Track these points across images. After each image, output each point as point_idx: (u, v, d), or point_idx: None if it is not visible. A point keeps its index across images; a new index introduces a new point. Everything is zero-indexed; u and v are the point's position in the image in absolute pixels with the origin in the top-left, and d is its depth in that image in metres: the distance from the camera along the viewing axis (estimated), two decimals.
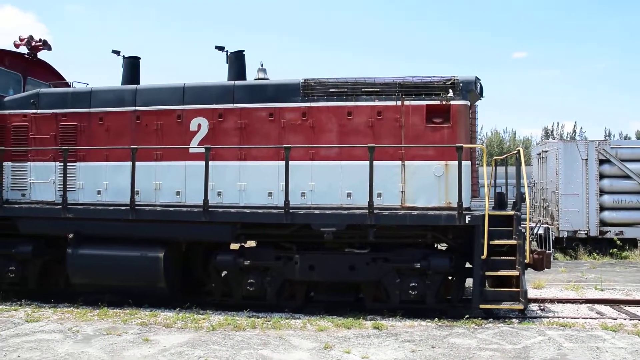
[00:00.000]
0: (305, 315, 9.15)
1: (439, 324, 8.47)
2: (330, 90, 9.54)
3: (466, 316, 8.68)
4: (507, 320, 8.84)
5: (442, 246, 10.18)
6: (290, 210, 9.01)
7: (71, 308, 9.67)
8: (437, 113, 9.21)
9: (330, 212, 9.06)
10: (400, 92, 9.33)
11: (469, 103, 9.40)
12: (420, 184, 9.14)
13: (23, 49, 12.15)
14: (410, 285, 9.07)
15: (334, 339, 7.56)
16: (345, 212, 9.04)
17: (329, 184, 9.35)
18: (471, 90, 9.32)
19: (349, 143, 9.32)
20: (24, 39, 12.09)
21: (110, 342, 7.39)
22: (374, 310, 9.29)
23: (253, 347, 7.13)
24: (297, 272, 9.36)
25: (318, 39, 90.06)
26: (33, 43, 12.18)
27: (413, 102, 9.26)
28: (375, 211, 8.81)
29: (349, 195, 9.29)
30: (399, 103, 9.31)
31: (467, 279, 9.74)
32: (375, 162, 8.78)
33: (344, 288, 9.67)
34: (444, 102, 9.17)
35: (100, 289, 10.28)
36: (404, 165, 9.20)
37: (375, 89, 9.45)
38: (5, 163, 10.49)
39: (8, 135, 10.79)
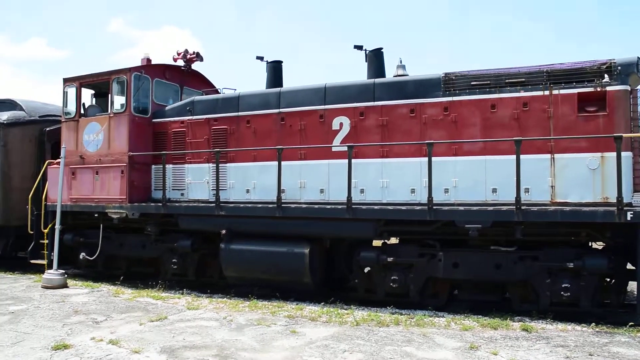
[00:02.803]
0: (448, 313, 8.94)
1: (597, 329, 7.82)
2: (472, 83, 9.25)
3: (630, 323, 7.87)
4: None
5: (599, 244, 9.43)
6: (434, 207, 8.84)
7: (225, 298, 10.33)
8: (591, 101, 8.52)
9: (475, 208, 8.75)
10: (548, 80, 8.78)
11: (629, 88, 8.54)
12: (572, 178, 8.52)
13: (180, 62, 13.30)
14: (562, 286, 8.44)
15: (479, 339, 7.30)
16: (490, 208, 8.69)
17: (473, 179, 9.07)
18: (631, 73, 8.45)
19: (493, 137, 8.95)
20: (180, 53, 13.24)
21: (260, 332, 7.75)
22: (521, 312, 8.82)
23: (397, 343, 7.10)
24: (440, 269, 9.20)
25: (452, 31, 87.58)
26: (188, 56, 13.29)
27: (563, 91, 8.67)
28: (522, 207, 8.35)
29: (494, 191, 8.94)
30: (546, 93, 8.77)
31: (630, 282, 8.93)
32: (522, 156, 8.32)
33: (489, 287, 9.32)
34: (598, 89, 8.45)
35: (249, 282, 10.85)
36: (553, 158, 8.65)
37: (521, 79, 8.98)
38: (167, 165, 11.49)
39: (169, 140, 11.87)
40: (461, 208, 8.86)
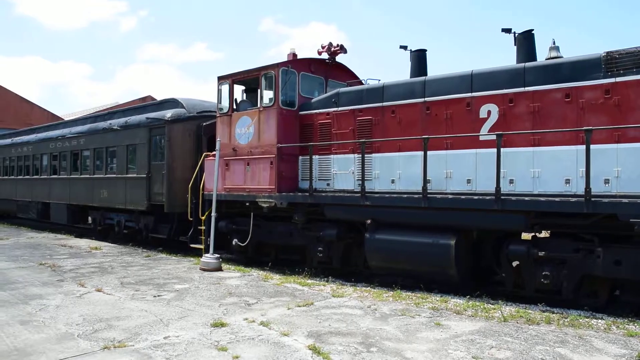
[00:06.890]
0: (608, 315, 8.21)
1: None
2: None
3: None
4: None
5: None
6: (592, 199, 8.15)
7: (368, 288, 10.43)
8: None
9: None
10: None
11: None
12: None
13: (324, 55, 13.61)
14: None
15: None
16: None
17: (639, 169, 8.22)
18: None
19: None
20: (325, 46, 13.52)
21: (404, 322, 7.72)
22: None
23: (548, 343, 6.69)
24: (599, 266, 8.45)
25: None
26: (332, 49, 13.53)
27: None
28: None
29: None
30: None
31: None
32: None
33: None
34: None
35: (393, 272, 10.85)
36: None
37: None
38: (313, 156, 11.84)
39: (315, 132, 12.22)
40: (625, 200, 8.05)
